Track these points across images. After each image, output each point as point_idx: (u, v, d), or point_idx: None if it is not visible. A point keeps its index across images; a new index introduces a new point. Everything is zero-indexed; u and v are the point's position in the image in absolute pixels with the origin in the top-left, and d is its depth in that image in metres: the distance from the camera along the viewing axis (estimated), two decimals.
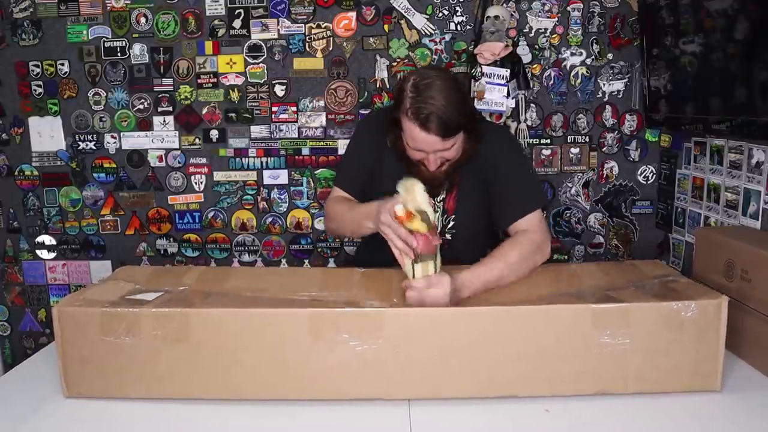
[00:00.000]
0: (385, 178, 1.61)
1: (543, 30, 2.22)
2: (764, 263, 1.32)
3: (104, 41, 2.28)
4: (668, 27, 1.91)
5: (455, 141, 1.50)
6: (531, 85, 2.23)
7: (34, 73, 2.31)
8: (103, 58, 2.29)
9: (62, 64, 2.30)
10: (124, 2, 2.25)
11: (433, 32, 2.23)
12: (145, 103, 2.32)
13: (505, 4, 2.18)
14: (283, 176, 2.35)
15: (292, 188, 2.36)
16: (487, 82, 2.08)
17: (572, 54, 2.23)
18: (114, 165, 2.37)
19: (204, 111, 2.32)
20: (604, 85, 2.25)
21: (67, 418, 1.16)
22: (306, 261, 2.42)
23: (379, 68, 2.26)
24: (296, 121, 2.31)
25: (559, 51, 2.23)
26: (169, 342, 1.16)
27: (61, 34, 2.28)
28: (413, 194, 1.31)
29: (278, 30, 2.25)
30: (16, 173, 2.39)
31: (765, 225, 1.67)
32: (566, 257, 2.36)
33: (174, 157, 2.35)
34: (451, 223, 1.68)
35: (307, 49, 2.26)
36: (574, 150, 2.30)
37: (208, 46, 2.27)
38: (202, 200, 2.38)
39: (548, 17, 2.21)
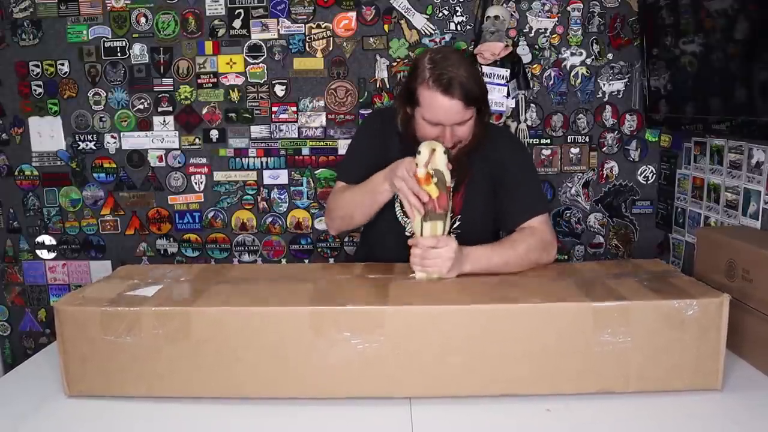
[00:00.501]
0: None
1: (543, 30, 2.22)
2: (765, 263, 1.32)
3: (104, 41, 2.28)
4: (668, 27, 1.91)
5: (471, 115, 1.49)
6: (531, 85, 2.23)
7: (34, 73, 2.31)
8: (103, 58, 2.29)
9: (62, 64, 2.30)
10: (124, 2, 2.25)
11: (433, 32, 2.23)
12: (145, 103, 2.32)
13: (505, 4, 2.19)
14: (283, 176, 2.35)
15: (292, 188, 2.36)
16: (487, 82, 2.07)
17: (572, 54, 2.23)
18: (114, 165, 2.37)
19: (204, 111, 2.32)
20: (604, 85, 2.25)
21: (69, 417, 1.16)
22: (306, 261, 2.42)
23: (379, 68, 2.26)
24: (296, 121, 2.31)
25: (559, 51, 2.23)
26: (170, 340, 1.16)
27: (61, 34, 2.28)
28: (434, 154, 1.36)
29: (278, 30, 2.25)
30: (16, 173, 2.39)
31: (765, 225, 1.67)
32: (566, 257, 2.36)
33: (174, 157, 2.35)
34: (457, 223, 1.68)
35: (307, 49, 2.26)
36: (574, 150, 2.30)
37: (208, 46, 2.27)
38: (202, 200, 2.38)
39: (548, 17, 2.21)
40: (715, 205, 1.92)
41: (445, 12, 2.22)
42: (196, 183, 2.37)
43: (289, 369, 1.17)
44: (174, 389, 1.19)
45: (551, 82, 2.25)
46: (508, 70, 2.10)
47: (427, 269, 1.36)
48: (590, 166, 2.31)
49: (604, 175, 2.32)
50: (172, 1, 2.25)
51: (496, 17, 2.12)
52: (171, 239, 2.41)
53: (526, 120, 2.26)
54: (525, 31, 2.22)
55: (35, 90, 2.32)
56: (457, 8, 2.21)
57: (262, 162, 2.34)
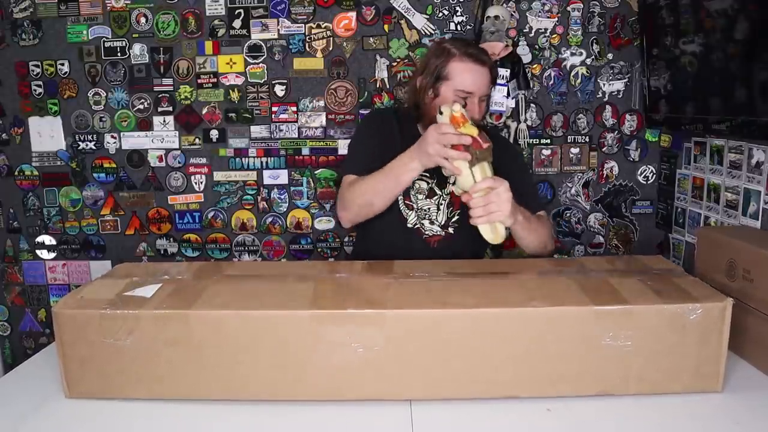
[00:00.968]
0: None
1: (543, 30, 2.22)
2: (766, 263, 1.32)
3: (104, 41, 2.28)
4: (668, 27, 1.91)
5: (489, 92, 1.71)
6: (531, 85, 2.23)
7: (34, 73, 2.30)
8: (103, 58, 2.29)
9: (62, 64, 2.30)
10: (124, 2, 2.25)
11: (433, 32, 2.22)
12: (145, 103, 2.32)
13: (505, 4, 2.18)
14: (283, 176, 2.35)
15: (292, 188, 2.36)
16: None
17: (572, 54, 2.23)
18: (114, 165, 2.36)
19: (204, 111, 2.32)
20: (604, 85, 2.25)
21: (68, 418, 1.16)
22: (306, 261, 2.42)
23: (379, 68, 2.26)
24: (296, 121, 2.31)
25: (559, 51, 2.23)
26: (170, 343, 1.16)
27: (61, 34, 2.27)
28: (456, 110, 1.41)
29: (278, 30, 2.25)
30: (16, 173, 2.39)
31: (765, 225, 1.67)
32: (566, 257, 2.36)
33: (174, 157, 2.35)
34: (456, 217, 1.69)
35: (307, 49, 2.26)
36: (574, 150, 2.30)
37: (208, 46, 2.27)
38: (202, 200, 2.38)
39: (548, 17, 2.21)
40: (715, 205, 1.92)
41: (445, 12, 2.21)
42: (196, 183, 2.37)
43: (289, 371, 1.17)
44: (174, 392, 1.18)
45: (551, 82, 2.25)
46: (508, 70, 2.10)
47: (491, 215, 1.38)
48: (590, 166, 2.31)
49: (604, 175, 2.32)
50: (172, 1, 2.25)
51: (496, 17, 2.12)
52: (171, 239, 2.41)
53: (526, 120, 2.26)
54: (525, 31, 2.22)
55: (35, 90, 2.32)
56: (457, 8, 2.21)
57: (262, 162, 2.34)
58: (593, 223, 2.35)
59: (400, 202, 1.68)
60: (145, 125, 2.33)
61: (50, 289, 2.47)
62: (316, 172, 2.35)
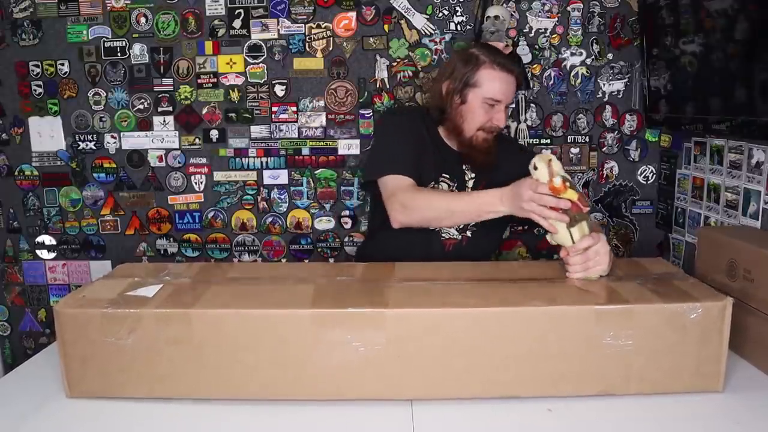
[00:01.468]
0: (425, 169, 1.69)
1: (543, 30, 2.22)
2: (767, 263, 1.32)
3: (104, 41, 2.28)
4: (668, 27, 1.91)
5: (513, 100, 1.79)
6: (531, 85, 2.23)
7: (34, 73, 2.30)
8: (103, 58, 2.29)
9: (62, 64, 2.30)
10: (124, 2, 2.25)
11: (433, 32, 2.23)
12: (145, 103, 2.32)
13: (505, 4, 2.18)
14: (283, 176, 2.35)
15: (292, 188, 2.36)
16: None
17: (572, 54, 2.23)
18: (114, 165, 2.36)
19: (204, 111, 2.32)
20: (604, 85, 2.25)
21: (69, 417, 1.16)
22: (306, 261, 2.42)
23: (379, 68, 2.26)
24: (296, 121, 2.31)
25: (559, 51, 2.23)
26: (171, 342, 1.16)
27: (61, 34, 2.27)
28: (551, 164, 1.33)
29: (278, 30, 2.25)
30: (16, 173, 2.38)
31: (765, 225, 1.68)
32: None
33: (174, 157, 2.35)
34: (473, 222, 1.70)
35: (307, 49, 2.26)
36: (574, 150, 2.30)
37: (208, 46, 2.27)
38: (202, 200, 2.38)
39: (548, 17, 2.21)
40: (715, 205, 1.92)
41: (445, 12, 2.22)
42: (196, 183, 2.37)
43: (290, 371, 1.17)
44: (175, 391, 1.18)
45: (551, 82, 2.25)
46: None
47: (589, 271, 1.33)
48: (590, 166, 2.31)
49: (604, 175, 2.32)
50: (172, 1, 2.25)
51: (496, 17, 2.12)
52: (171, 239, 2.41)
53: (526, 120, 2.26)
54: (525, 31, 2.22)
55: (35, 90, 2.31)
56: (457, 8, 2.21)
57: (262, 162, 2.34)
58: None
59: None
60: (145, 125, 2.33)
61: (50, 289, 2.47)
62: (316, 172, 2.35)
